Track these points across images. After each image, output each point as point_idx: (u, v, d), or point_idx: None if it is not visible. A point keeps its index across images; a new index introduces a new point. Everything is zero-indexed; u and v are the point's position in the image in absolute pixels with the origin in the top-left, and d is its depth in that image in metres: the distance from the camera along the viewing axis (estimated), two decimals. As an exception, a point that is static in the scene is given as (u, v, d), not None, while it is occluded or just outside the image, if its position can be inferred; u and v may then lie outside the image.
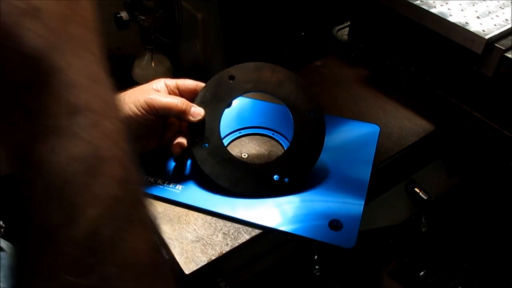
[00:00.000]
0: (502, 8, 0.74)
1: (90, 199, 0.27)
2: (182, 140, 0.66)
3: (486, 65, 0.69)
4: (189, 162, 0.69)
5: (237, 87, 0.66)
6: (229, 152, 0.65)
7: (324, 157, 0.65)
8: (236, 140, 0.74)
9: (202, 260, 0.57)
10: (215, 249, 0.58)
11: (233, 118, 0.75)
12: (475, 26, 0.68)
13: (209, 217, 0.62)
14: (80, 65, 0.28)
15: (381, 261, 0.98)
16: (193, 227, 0.61)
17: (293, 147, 0.65)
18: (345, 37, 0.93)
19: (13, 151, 0.27)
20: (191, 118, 0.63)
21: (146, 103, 0.60)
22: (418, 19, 0.74)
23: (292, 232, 0.60)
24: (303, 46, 1.20)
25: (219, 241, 0.59)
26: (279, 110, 0.75)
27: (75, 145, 0.26)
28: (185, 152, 0.67)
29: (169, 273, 0.32)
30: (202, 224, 0.61)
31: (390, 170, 0.75)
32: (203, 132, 0.65)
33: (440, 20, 0.71)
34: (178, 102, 0.62)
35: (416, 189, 0.83)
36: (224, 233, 0.60)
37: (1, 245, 0.44)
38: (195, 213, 0.62)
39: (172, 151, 0.66)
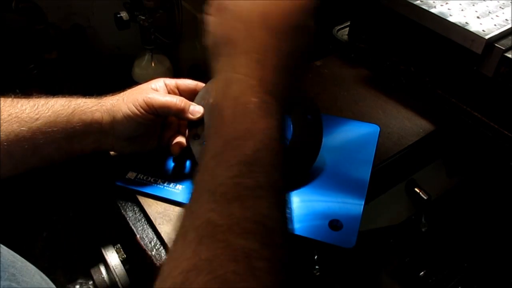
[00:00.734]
0: (502, 8, 0.74)
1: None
2: (181, 139, 0.66)
3: (486, 65, 0.68)
4: (188, 162, 0.69)
5: None
6: None
7: (324, 157, 0.65)
8: (236, 140, 0.74)
9: (202, 260, 0.56)
10: (215, 249, 0.58)
11: (233, 118, 0.75)
12: (475, 26, 0.68)
13: (209, 217, 0.62)
14: None
15: (381, 261, 0.98)
16: (193, 227, 0.60)
17: (290, 150, 0.65)
18: (345, 37, 0.93)
19: None
20: (190, 116, 0.63)
21: (145, 102, 0.60)
22: (418, 19, 0.74)
23: (292, 232, 0.60)
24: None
25: (219, 241, 0.59)
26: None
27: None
28: (185, 152, 0.67)
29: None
30: (202, 224, 0.61)
31: (390, 170, 0.75)
32: (203, 130, 0.65)
33: (440, 20, 0.71)
34: (177, 100, 0.62)
35: (416, 189, 0.83)
36: (224, 233, 0.60)
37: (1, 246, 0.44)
38: (195, 213, 0.62)
39: (171, 151, 0.66)
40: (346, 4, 0.95)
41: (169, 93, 0.65)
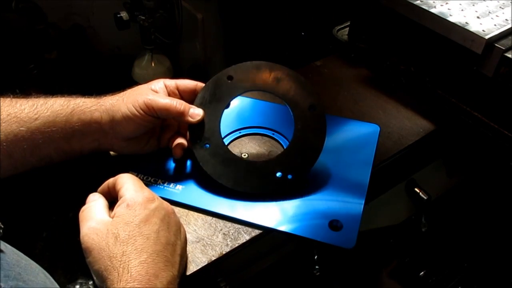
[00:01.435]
0: (502, 8, 0.74)
1: None
2: (181, 140, 0.66)
3: (486, 65, 0.69)
4: (189, 162, 0.69)
5: (236, 86, 0.66)
6: (231, 152, 0.65)
7: (324, 157, 0.65)
8: (236, 140, 0.74)
9: (202, 261, 0.57)
10: (215, 250, 0.58)
11: (233, 118, 0.75)
12: (475, 26, 0.68)
13: (209, 218, 0.62)
14: None
15: (381, 261, 0.98)
16: (193, 227, 0.61)
17: (295, 143, 0.65)
18: (345, 37, 0.93)
19: None
20: (190, 119, 0.63)
21: (145, 104, 0.60)
22: (418, 19, 0.74)
23: (292, 232, 0.60)
24: (303, 46, 1.20)
25: (219, 241, 0.59)
26: (279, 109, 0.75)
27: None
28: (185, 152, 0.66)
29: None
30: (202, 225, 0.61)
31: (390, 170, 0.75)
32: (204, 133, 0.65)
33: (440, 20, 0.71)
34: (176, 103, 0.62)
35: (416, 189, 0.83)
36: (224, 233, 0.60)
37: (1, 247, 0.44)
38: (195, 214, 0.62)
39: (173, 154, 0.66)
40: (346, 4, 0.95)
41: (169, 94, 0.65)
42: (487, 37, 0.66)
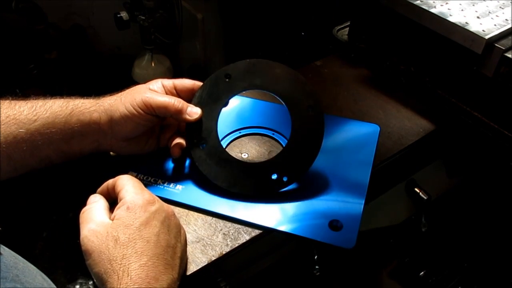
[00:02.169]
0: (502, 8, 0.74)
1: None
2: (180, 140, 0.66)
3: (486, 65, 0.69)
4: (188, 162, 0.69)
5: (234, 85, 0.66)
6: (227, 152, 0.65)
7: (324, 157, 0.65)
8: (236, 140, 0.74)
9: (202, 261, 0.57)
10: (215, 250, 0.58)
11: (233, 118, 0.75)
12: (475, 26, 0.68)
13: (209, 218, 0.62)
14: None
15: (381, 261, 0.98)
16: (193, 227, 0.61)
17: (292, 144, 0.64)
18: (345, 37, 0.93)
19: None
20: (188, 117, 0.63)
21: (143, 102, 0.60)
22: (418, 19, 0.74)
23: (292, 232, 0.60)
24: (303, 46, 1.20)
25: (219, 241, 0.59)
26: (279, 109, 0.75)
27: None
28: (185, 152, 0.66)
29: None
30: (202, 225, 0.61)
31: (390, 170, 0.75)
32: (201, 133, 0.65)
33: (440, 20, 0.71)
34: (174, 101, 0.62)
35: (416, 189, 0.83)
36: (224, 233, 0.60)
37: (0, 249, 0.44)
38: (195, 214, 0.62)
39: (172, 153, 0.66)
40: (346, 4, 0.95)
41: (167, 94, 0.65)
42: (487, 37, 0.66)
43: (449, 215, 0.98)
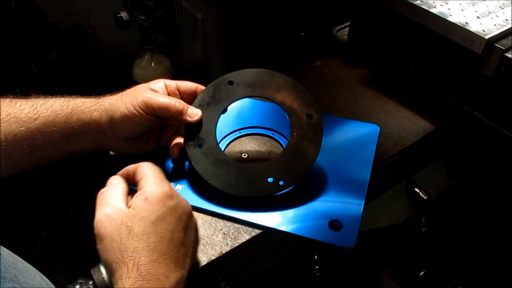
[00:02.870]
0: (502, 8, 0.74)
1: None
2: (180, 140, 0.66)
3: (486, 65, 0.69)
4: (187, 162, 0.69)
5: (235, 91, 0.66)
6: (224, 153, 0.65)
7: (324, 157, 0.65)
8: (236, 140, 0.74)
9: (202, 260, 0.57)
10: (215, 249, 0.58)
11: (233, 118, 0.75)
12: (475, 26, 0.68)
13: (209, 217, 0.62)
14: None
15: (381, 261, 0.98)
16: (193, 227, 0.60)
17: (289, 150, 0.64)
18: (345, 37, 0.93)
19: None
20: (188, 118, 0.63)
21: (144, 102, 0.60)
22: (418, 19, 0.74)
23: (292, 232, 0.60)
24: (303, 46, 1.20)
25: (219, 241, 0.59)
26: (279, 110, 0.74)
27: None
28: (184, 153, 0.67)
29: None
30: (202, 224, 0.61)
31: (390, 170, 0.75)
32: (199, 133, 0.65)
33: (440, 20, 0.71)
34: (175, 102, 0.62)
35: (416, 189, 0.83)
36: (224, 233, 0.60)
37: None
38: (195, 213, 0.62)
39: (170, 153, 0.66)
40: (346, 4, 0.95)
41: (169, 94, 0.65)
42: (487, 37, 0.66)
43: (449, 215, 0.98)
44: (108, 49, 1.46)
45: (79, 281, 0.54)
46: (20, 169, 0.59)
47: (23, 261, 0.47)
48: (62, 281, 0.54)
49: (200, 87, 0.67)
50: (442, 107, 0.78)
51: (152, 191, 0.51)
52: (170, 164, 0.69)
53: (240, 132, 0.75)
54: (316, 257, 0.69)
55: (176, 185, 0.65)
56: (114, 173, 0.57)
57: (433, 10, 0.72)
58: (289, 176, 0.63)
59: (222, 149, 0.72)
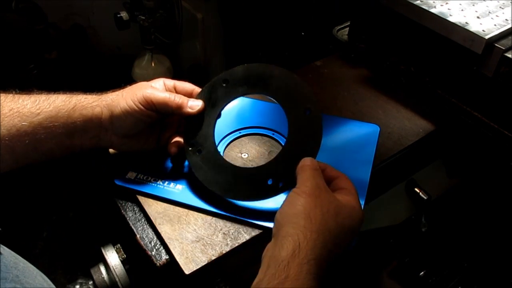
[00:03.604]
0: (502, 8, 0.74)
1: None
2: (179, 139, 0.66)
3: (486, 65, 0.69)
4: (187, 162, 0.69)
5: (231, 91, 0.66)
6: (223, 158, 0.65)
7: (324, 157, 0.65)
8: (236, 140, 0.74)
9: (202, 260, 0.57)
10: (215, 249, 0.58)
11: (233, 118, 0.75)
12: (475, 26, 0.68)
13: (209, 217, 0.62)
14: None
15: (381, 261, 0.98)
16: (193, 227, 0.61)
17: (288, 149, 0.62)
18: (345, 37, 0.93)
19: None
20: (189, 110, 0.63)
21: (144, 97, 0.61)
22: (418, 19, 0.74)
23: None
24: (303, 46, 1.20)
25: (219, 241, 0.59)
26: (279, 109, 0.74)
27: None
28: (183, 152, 0.67)
29: None
30: (202, 224, 0.61)
31: (390, 170, 0.75)
32: (198, 137, 0.65)
33: (440, 20, 0.71)
34: (175, 97, 0.62)
35: (416, 189, 0.83)
36: (224, 233, 0.60)
37: (0, 250, 0.44)
38: (195, 213, 0.62)
39: (168, 150, 0.66)
40: (346, 4, 0.95)
41: None
42: (487, 37, 0.66)
43: (449, 215, 0.98)
44: (108, 49, 1.46)
45: (79, 281, 0.54)
46: (22, 164, 0.59)
47: (25, 261, 0.47)
48: (62, 281, 0.54)
49: (197, 89, 0.67)
50: (442, 107, 0.78)
51: (358, 204, 0.55)
52: (169, 164, 0.69)
53: (240, 132, 0.75)
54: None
55: (175, 186, 0.65)
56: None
57: (433, 10, 0.72)
58: (289, 177, 0.62)
59: (223, 149, 0.72)
